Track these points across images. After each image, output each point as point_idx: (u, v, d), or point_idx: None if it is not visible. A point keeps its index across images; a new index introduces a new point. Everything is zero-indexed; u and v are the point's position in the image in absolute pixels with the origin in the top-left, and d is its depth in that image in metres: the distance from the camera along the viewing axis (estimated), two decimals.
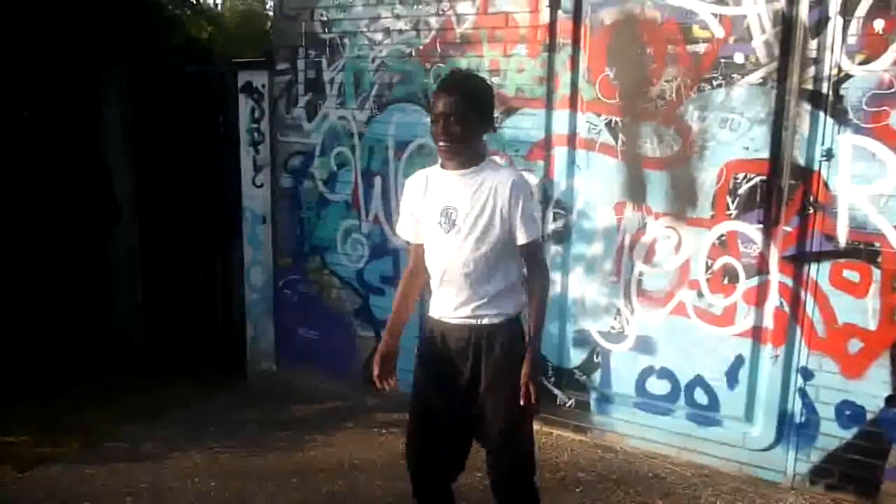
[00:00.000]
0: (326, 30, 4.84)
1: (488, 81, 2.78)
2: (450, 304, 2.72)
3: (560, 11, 4.09)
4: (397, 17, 4.58)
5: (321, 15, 4.84)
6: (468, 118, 2.58)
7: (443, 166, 2.72)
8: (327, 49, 4.86)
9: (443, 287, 2.74)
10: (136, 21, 6.11)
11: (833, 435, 3.71)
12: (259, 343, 5.42)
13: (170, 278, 5.88)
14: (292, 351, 5.31)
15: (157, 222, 5.85)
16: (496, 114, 4.02)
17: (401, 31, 4.58)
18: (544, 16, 4.14)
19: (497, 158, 2.71)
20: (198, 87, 5.59)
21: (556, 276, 4.30)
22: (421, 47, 4.53)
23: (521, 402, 2.59)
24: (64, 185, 5.40)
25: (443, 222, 2.69)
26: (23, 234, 5.15)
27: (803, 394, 3.75)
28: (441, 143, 2.63)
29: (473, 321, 2.68)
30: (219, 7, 10.36)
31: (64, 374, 5.32)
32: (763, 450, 3.89)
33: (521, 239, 2.64)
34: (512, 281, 2.71)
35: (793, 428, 3.80)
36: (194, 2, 7.99)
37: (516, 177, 2.67)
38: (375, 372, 2.85)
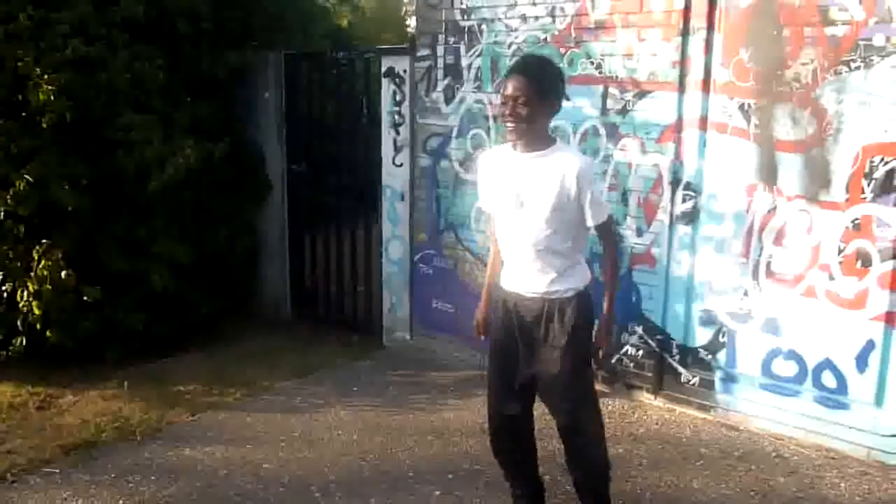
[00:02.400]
0: (466, 17, 5.08)
1: (556, 64, 3.00)
2: (522, 279, 2.97)
3: None
4: (534, 3, 4.75)
5: (461, 3, 5.08)
6: (535, 101, 2.77)
7: (514, 147, 2.92)
8: (466, 35, 5.09)
9: (514, 262, 2.99)
10: (290, 10, 6.57)
11: None
12: (396, 313, 5.78)
13: (315, 251, 6.33)
14: (426, 321, 5.63)
15: (306, 198, 6.30)
16: (626, 96, 4.13)
17: (537, 18, 4.75)
18: (679, 0, 4.21)
19: (559, 141, 3.00)
20: (345, 71, 5.97)
21: (683, 257, 4.40)
22: (556, 33, 4.69)
23: (593, 360, 2.96)
24: (223, 164, 5.89)
25: (514, 201, 2.91)
26: (188, 209, 5.69)
27: None
28: (508, 125, 2.83)
29: (546, 296, 2.92)
30: None
31: (223, 334, 5.91)
32: (893, 435, 3.86)
33: (590, 222, 2.88)
34: (579, 257, 2.98)
35: None
36: None
37: (583, 163, 2.85)
38: (478, 331, 3.34)
